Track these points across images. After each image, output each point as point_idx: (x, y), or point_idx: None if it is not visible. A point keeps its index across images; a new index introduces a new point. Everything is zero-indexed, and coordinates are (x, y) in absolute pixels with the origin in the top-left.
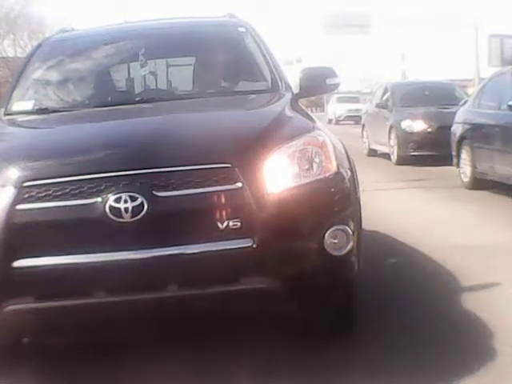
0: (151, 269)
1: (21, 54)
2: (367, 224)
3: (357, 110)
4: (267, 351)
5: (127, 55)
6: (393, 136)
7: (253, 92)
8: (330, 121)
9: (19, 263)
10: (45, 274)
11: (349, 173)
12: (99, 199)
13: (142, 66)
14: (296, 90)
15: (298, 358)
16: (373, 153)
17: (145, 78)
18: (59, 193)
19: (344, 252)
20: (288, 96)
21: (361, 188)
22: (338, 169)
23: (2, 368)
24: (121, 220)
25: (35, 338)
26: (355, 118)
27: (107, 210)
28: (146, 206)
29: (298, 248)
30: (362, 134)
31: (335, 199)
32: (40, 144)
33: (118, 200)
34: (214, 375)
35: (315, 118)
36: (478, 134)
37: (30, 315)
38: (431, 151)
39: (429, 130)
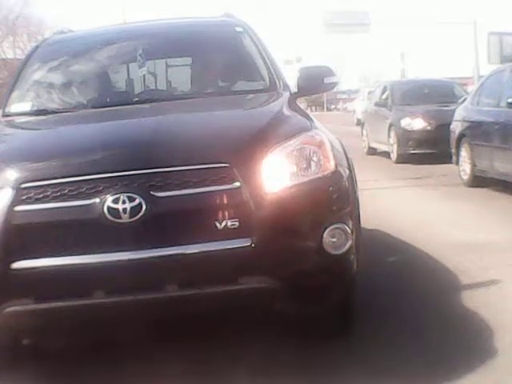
0: (150, 269)
1: (20, 56)
2: (367, 222)
3: None
4: (266, 351)
5: (125, 56)
6: (392, 134)
7: (251, 91)
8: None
9: (18, 265)
10: (44, 275)
11: (347, 171)
12: (97, 200)
13: (139, 67)
14: (294, 90)
15: (297, 358)
16: (372, 151)
17: (143, 79)
18: (57, 194)
19: (343, 251)
20: (286, 95)
21: (360, 186)
22: (336, 167)
23: (1, 369)
24: (119, 221)
25: (35, 339)
26: None
27: (105, 210)
28: (144, 207)
29: (296, 247)
30: (362, 132)
31: (333, 198)
32: (38, 145)
33: (116, 201)
34: (214, 375)
35: (313, 117)
36: (477, 132)
37: (29, 316)
38: (430, 149)
39: (428, 128)
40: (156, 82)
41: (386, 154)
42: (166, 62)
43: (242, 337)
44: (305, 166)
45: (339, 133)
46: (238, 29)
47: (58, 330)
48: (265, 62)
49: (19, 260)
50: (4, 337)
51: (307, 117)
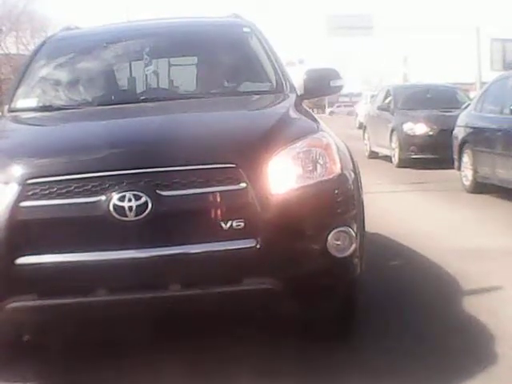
0: (154, 268)
1: (23, 52)
2: (368, 226)
3: None
4: (268, 351)
5: (131, 54)
6: (394, 138)
7: (257, 93)
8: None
9: (22, 260)
10: (48, 271)
11: (352, 175)
12: (103, 197)
13: (146, 65)
14: (300, 91)
15: (298, 359)
16: (374, 155)
17: (149, 77)
18: (63, 190)
19: (347, 254)
20: (292, 97)
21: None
22: (342, 170)
23: (3, 365)
24: (124, 219)
25: (36, 335)
26: None
27: (111, 208)
28: (149, 205)
29: (301, 249)
30: (364, 136)
31: (339, 201)
32: (44, 141)
33: (121, 199)
34: (214, 375)
35: (319, 119)
36: (479, 138)
37: (32, 312)
38: (432, 154)
39: (430, 133)
40: (162, 81)
41: (388, 158)
42: (173, 61)
43: (243, 337)
44: (311, 168)
45: (338, 134)
46: (246, 29)
47: (59, 327)
48: (272, 64)
49: (23, 256)
50: (6, 333)
51: (314, 119)
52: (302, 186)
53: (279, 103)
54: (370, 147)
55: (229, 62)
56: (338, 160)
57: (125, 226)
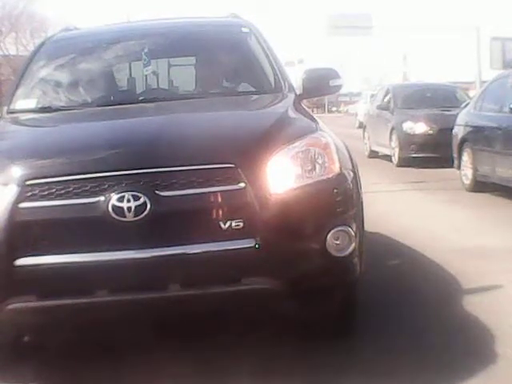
0: (153, 268)
1: (22, 52)
2: (368, 226)
3: None
4: (267, 351)
5: (130, 55)
6: (394, 138)
7: (256, 92)
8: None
9: (22, 261)
10: (47, 272)
11: (351, 174)
12: (102, 198)
13: (145, 66)
14: (299, 91)
15: (298, 359)
16: (374, 154)
17: (148, 78)
18: (62, 191)
19: (346, 253)
20: (291, 97)
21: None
22: (341, 170)
23: (3, 365)
24: (123, 219)
25: (36, 336)
26: None
27: (110, 209)
28: (148, 206)
29: (300, 249)
30: (363, 135)
31: (338, 200)
32: (43, 142)
33: (120, 199)
34: (214, 375)
35: (318, 119)
36: (479, 137)
37: (32, 313)
38: (432, 153)
39: (430, 132)
40: (161, 82)
41: (388, 158)
42: (172, 62)
43: (243, 337)
44: (310, 168)
45: (338, 134)
46: (244, 29)
47: (59, 328)
48: (270, 63)
49: (23, 257)
50: (6, 333)
51: (312, 119)
52: (301, 185)
53: (278, 103)
54: (369, 146)
55: (227, 62)
56: (336, 159)
57: (124, 226)
